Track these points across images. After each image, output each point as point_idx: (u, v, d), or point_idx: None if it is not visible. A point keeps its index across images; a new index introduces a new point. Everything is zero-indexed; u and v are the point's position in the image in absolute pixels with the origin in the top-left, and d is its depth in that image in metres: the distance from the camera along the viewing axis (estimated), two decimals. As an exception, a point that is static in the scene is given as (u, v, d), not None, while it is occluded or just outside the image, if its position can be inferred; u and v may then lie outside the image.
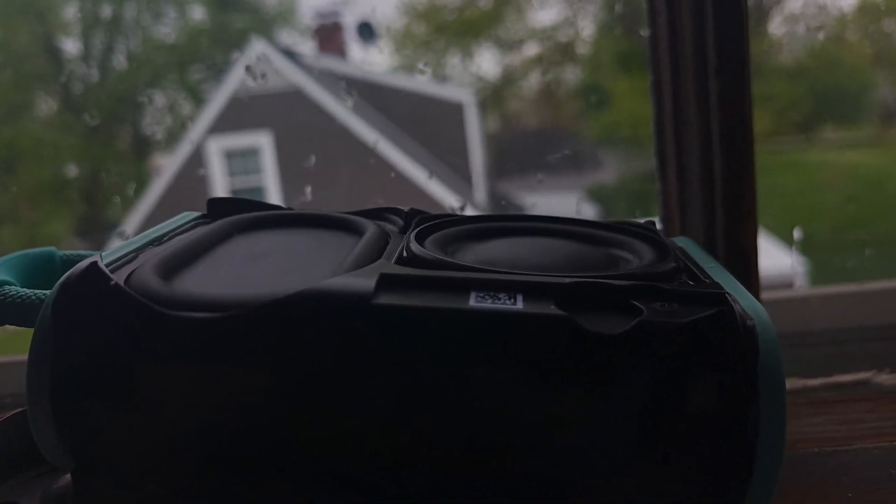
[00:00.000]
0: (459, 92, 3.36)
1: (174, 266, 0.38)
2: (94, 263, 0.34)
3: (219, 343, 0.32)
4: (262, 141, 3.11)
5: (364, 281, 0.33)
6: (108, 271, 0.34)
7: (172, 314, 0.32)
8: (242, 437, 0.33)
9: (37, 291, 0.40)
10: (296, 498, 0.34)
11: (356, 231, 0.45)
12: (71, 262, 0.47)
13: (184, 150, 3.03)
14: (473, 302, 0.32)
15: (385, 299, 0.32)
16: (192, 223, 0.47)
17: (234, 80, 3.00)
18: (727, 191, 0.49)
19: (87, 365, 0.33)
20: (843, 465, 0.44)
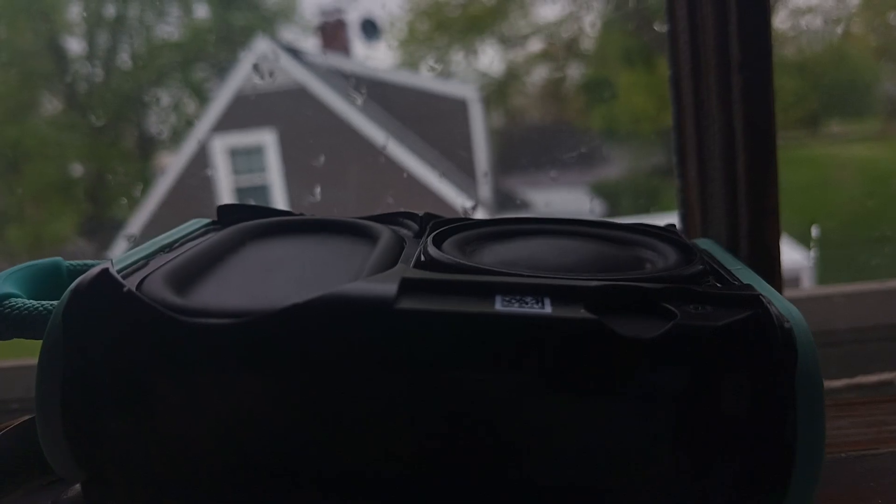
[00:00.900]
0: (463, 88, 3.35)
1: (187, 273, 0.37)
2: (106, 270, 0.33)
3: (236, 349, 0.31)
4: (267, 139, 3.11)
5: (386, 286, 0.32)
6: (119, 277, 0.33)
7: (188, 320, 0.31)
8: (259, 446, 0.32)
9: (43, 303, 0.39)
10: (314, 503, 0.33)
11: (371, 237, 0.44)
12: (77, 272, 0.46)
13: (188, 148, 3.03)
14: (499, 306, 0.31)
15: (408, 304, 0.31)
16: (203, 230, 0.46)
17: (238, 78, 3.00)
18: (751, 188, 0.48)
19: (99, 373, 0.32)
20: (872, 469, 0.43)
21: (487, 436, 0.31)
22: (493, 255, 0.40)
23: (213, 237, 0.42)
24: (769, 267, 0.49)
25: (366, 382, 0.31)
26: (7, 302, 0.39)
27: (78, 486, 0.40)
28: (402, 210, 0.49)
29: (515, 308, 0.31)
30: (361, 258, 0.40)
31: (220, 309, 0.32)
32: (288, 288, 0.37)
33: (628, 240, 0.44)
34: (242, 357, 0.31)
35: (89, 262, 0.46)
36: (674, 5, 0.52)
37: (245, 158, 3.22)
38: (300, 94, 3.06)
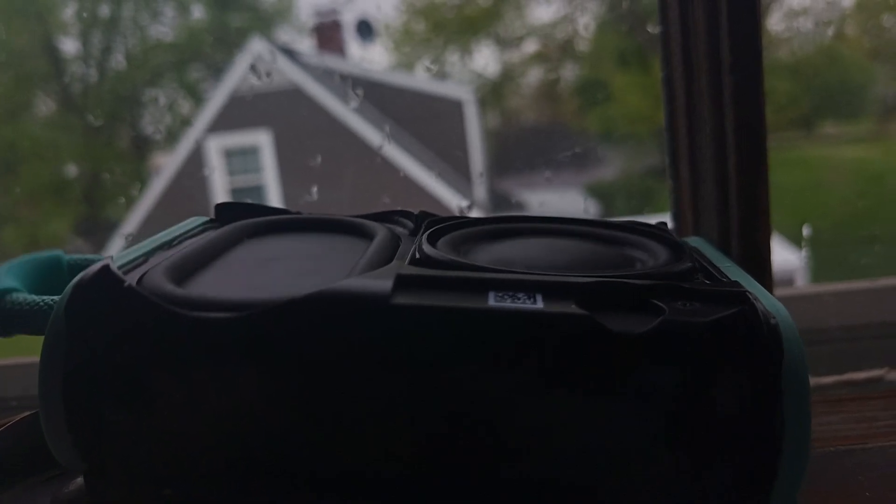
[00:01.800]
0: (459, 89, 3.35)
1: (186, 269, 0.37)
2: (107, 266, 0.34)
3: (235, 344, 0.32)
4: (262, 139, 3.10)
5: (381, 281, 0.33)
6: (120, 273, 0.33)
7: (188, 314, 0.32)
8: (257, 440, 0.33)
9: (45, 298, 0.39)
10: (313, 500, 0.33)
11: (366, 234, 0.45)
12: (78, 265, 0.47)
13: (184, 148, 3.02)
14: (493, 302, 0.32)
15: (403, 299, 0.32)
16: (201, 228, 0.47)
17: (234, 78, 2.99)
18: (742, 189, 0.49)
19: (101, 367, 0.33)
20: (861, 464, 0.44)
21: (481, 430, 0.32)
22: (487, 254, 0.41)
23: (212, 234, 0.43)
24: (760, 266, 0.50)
25: (361, 377, 0.32)
26: (8, 297, 0.39)
27: (78, 481, 0.41)
28: (397, 209, 0.49)
29: (508, 304, 0.32)
30: (357, 255, 0.41)
31: (219, 302, 0.32)
32: (285, 283, 0.37)
33: (619, 238, 0.44)
34: (240, 351, 0.32)
35: (90, 255, 0.47)
36: (666, 8, 0.53)
37: (240, 159, 3.22)
38: (295, 95, 3.05)
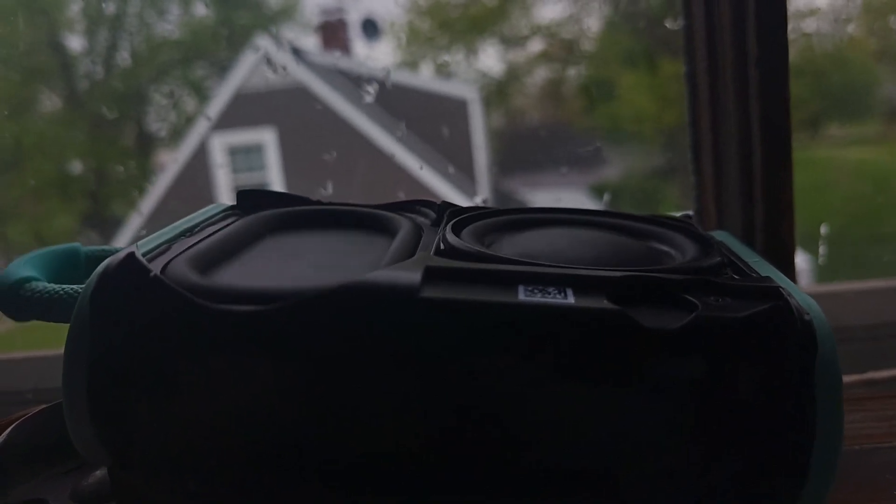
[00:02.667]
0: (464, 88, 3.35)
1: (210, 259, 0.37)
2: (132, 254, 0.33)
3: (262, 336, 0.31)
4: (267, 137, 3.10)
5: (410, 274, 0.32)
6: (146, 262, 0.33)
7: (214, 307, 0.31)
8: (285, 432, 0.32)
9: (64, 286, 0.39)
10: (338, 493, 0.33)
11: (389, 225, 0.44)
12: (95, 257, 0.46)
13: (188, 146, 3.02)
14: (522, 296, 0.32)
15: (431, 292, 0.31)
16: (222, 214, 0.46)
17: (239, 76, 2.99)
18: (767, 183, 0.48)
19: (126, 358, 0.32)
20: (888, 462, 0.44)
21: (510, 424, 0.32)
22: (512, 245, 0.40)
23: (235, 226, 0.43)
24: (784, 261, 0.50)
25: (390, 370, 0.31)
26: (28, 285, 0.39)
27: (98, 473, 0.41)
28: (419, 198, 0.49)
29: (539, 298, 0.31)
30: (381, 246, 0.40)
31: (246, 293, 0.32)
32: (311, 275, 0.37)
33: (645, 231, 0.44)
34: (267, 344, 0.31)
35: (106, 247, 0.46)
36: (690, 2, 0.53)
37: (244, 157, 3.22)
38: (300, 93, 3.05)
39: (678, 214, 0.46)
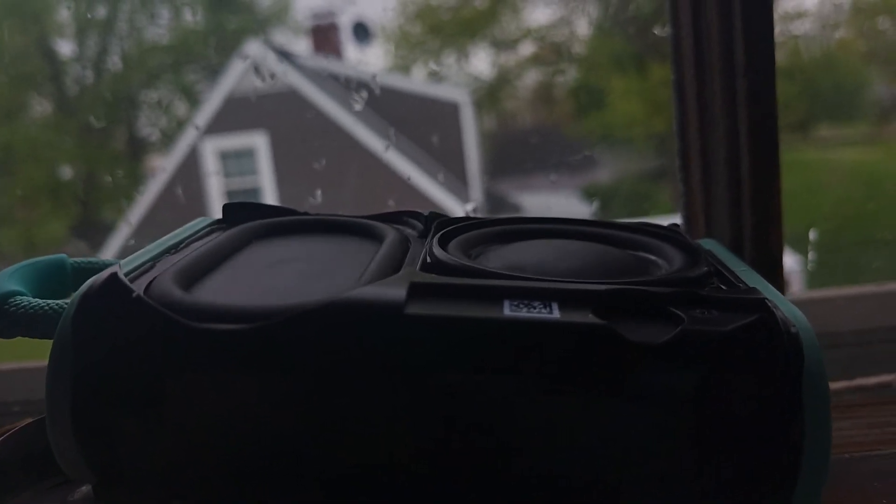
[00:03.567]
0: (455, 92, 3.35)
1: (194, 275, 0.37)
2: (115, 274, 0.33)
3: (245, 355, 0.31)
4: (258, 142, 3.10)
5: (394, 290, 0.32)
6: (128, 282, 0.33)
7: (196, 326, 0.31)
8: (269, 450, 0.32)
9: (49, 302, 0.39)
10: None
11: (375, 237, 0.44)
12: (81, 269, 0.46)
13: (180, 150, 3.02)
14: (508, 311, 0.31)
15: (416, 309, 0.31)
16: (208, 229, 0.46)
17: (230, 80, 2.99)
18: (755, 191, 0.48)
19: (109, 377, 0.32)
20: (877, 470, 0.44)
21: (495, 439, 0.31)
22: (499, 257, 0.40)
23: (219, 238, 0.42)
24: (773, 270, 0.50)
25: (375, 387, 0.31)
26: (12, 300, 0.38)
27: (85, 488, 0.40)
28: (406, 209, 0.49)
29: (524, 313, 0.31)
30: (367, 258, 0.40)
31: (228, 312, 0.32)
32: (295, 291, 0.37)
33: (632, 241, 0.44)
34: (251, 362, 0.31)
35: (93, 259, 0.46)
36: (677, 9, 0.53)
37: (236, 161, 3.22)
38: (292, 97, 3.05)
39: (666, 224, 0.46)
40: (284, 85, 3.02)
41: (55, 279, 0.45)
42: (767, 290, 0.35)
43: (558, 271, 0.37)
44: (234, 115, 3.10)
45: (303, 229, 0.46)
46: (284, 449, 0.32)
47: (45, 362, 0.33)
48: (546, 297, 0.32)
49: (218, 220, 0.48)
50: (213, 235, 0.44)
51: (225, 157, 3.23)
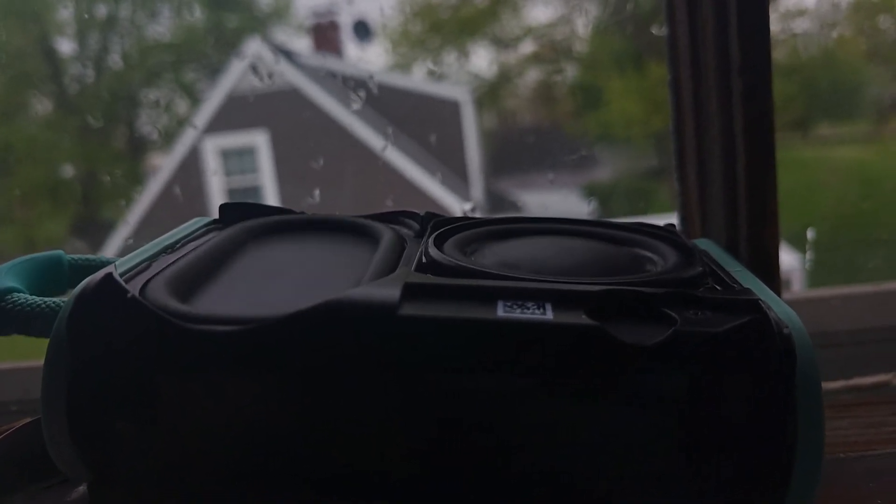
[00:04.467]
0: (456, 90, 3.35)
1: (190, 277, 0.37)
2: (110, 275, 0.33)
3: (241, 355, 0.31)
4: (259, 140, 3.10)
5: (388, 291, 0.32)
6: (123, 283, 0.33)
7: (192, 327, 0.31)
8: (263, 451, 0.32)
9: (46, 300, 0.39)
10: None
11: (372, 237, 0.44)
12: (78, 266, 0.46)
13: (180, 149, 3.02)
14: (501, 311, 0.31)
15: (410, 310, 0.31)
16: (204, 229, 0.46)
17: (231, 79, 2.99)
18: (751, 191, 0.48)
19: (105, 378, 0.32)
20: (872, 470, 0.44)
21: (489, 440, 0.32)
22: (494, 256, 0.40)
23: (216, 238, 0.42)
24: (768, 270, 0.50)
25: (369, 388, 0.31)
26: (9, 297, 0.38)
27: (82, 488, 0.40)
28: (402, 209, 0.49)
29: (517, 314, 0.31)
30: (363, 259, 0.40)
31: (223, 315, 0.32)
32: (290, 292, 0.37)
33: (628, 240, 0.44)
34: (246, 364, 0.31)
35: (91, 256, 0.46)
36: (673, 8, 0.53)
37: (237, 159, 3.22)
38: (292, 96, 3.05)
39: (662, 224, 0.46)
40: (285, 83, 3.02)
41: (52, 276, 0.45)
42: (761, 290, 0.35)
43: (553, 269, 0.37)
44: (234, 114, 3.10)
45: (299, 229, 0.46)
46: (279, 449, 0.32)
47: (42, 362, 0.33)
48: (540, 297, 0.33)
49: (214, 220, 0.48)
50: (210, 235, 0.44)
51: (225, 155, 3.23)
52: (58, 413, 0.32)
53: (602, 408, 0.31)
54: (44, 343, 0.34)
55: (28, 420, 0.43)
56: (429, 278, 0.34)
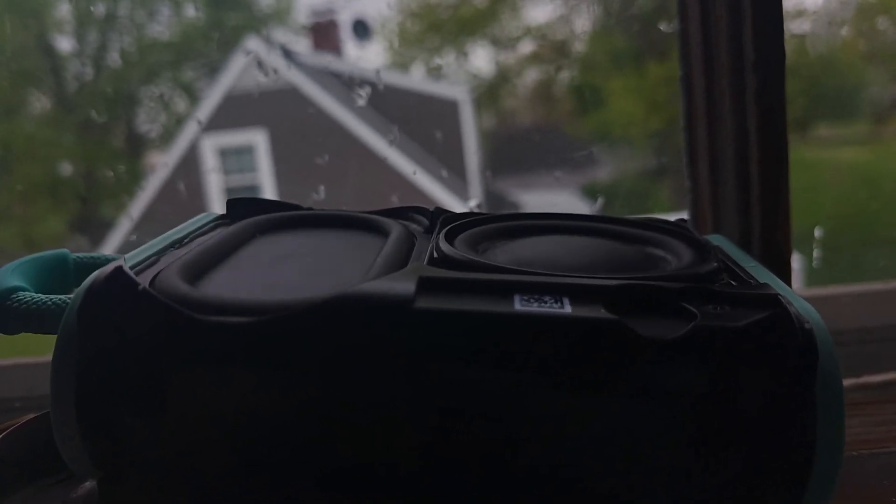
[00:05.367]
0: (455, 89, 3.35)
1: (199, 269, 0.36)
2: (120, 268, 0.33)
3: (253, 348, 0.31)
4: (258, 139, 3.09)
5: (404, 284, 0.32)
6: (133, 275, 0.32)
7: (204, 319, 0.31)
8: (275, 443, 0.32)
9: (52, 297, 0.39)
10: (331, 503, 0.33)
11: (381, 232, 0.44)
12: (84, 264, 0.46)
13: (179, 147, 3.01)
14: (519, 305, 0.31)
15: (426, 303, 0.31)
16: (213, 224, 0.46)
17: (229, 77, 2.98)
18: (764, 188, 0.48)
19: (114, 371, 0.32)
20: (886, 468, 0.44)
21: (505, 433, 0.31)
22: (507, 252, 0.40)
23: (224, 232, 0.42)
24: (781, 266, 0.49)
25: (383, 380, 0.31)
26: (15, 296, 0.38)
27: (87, 484, 0.40)
28: (412, 204, 0.48)
29: (535, 308, 0.31)
30: (372, 254, 0.40)
31: (234, 307, 0.32)
32: (301, 284, 0.36)
33: (640, 236, 0.43)
34: (258, 355, 0.31)
35: (95, 254, 0.46)
36: (686, 5, 0.52)
37: (235, 158, 3.21)
38: (292, 94, 3.04)
39: (672, 219, 0.46)
40: (284, 82, 3.02)
41: (57, 274, 0.45)
42: (779, 285, 0.35)
43: (567, 266, 0.37)
44: (233, 112, 3.10)
45: (307, 224, 0.46)
46: (290, 441, 0.32)
47: (47, 358, 0.33)
48: (557, 291, 0.32)
49: (222, 216, 0.47)
50: (218, 231, 0.44)
51: (224, 153, 3.22)
52: (67, 405, 0.32)
53: (620, 403, 0.30)
54: (48, 339, 0.34)
55: (33, 416, 0.43)
56: (443, 272, 0.34)
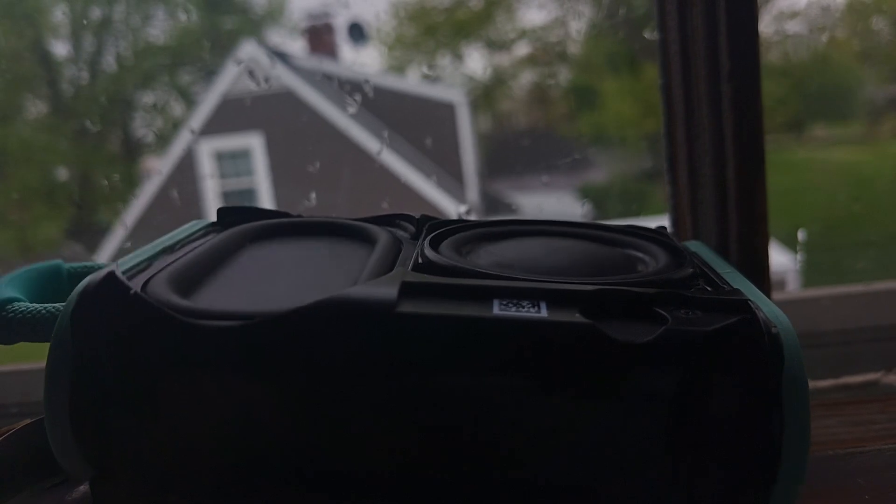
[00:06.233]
0: (451, 92, 3.36)
1: (190, 276, 0.37)
2: (112, 273, 0.34)
3: (241, 351, 0.32)
4: (254, 143, 3.10)
5: (386, 289, 0.33)
6: (126, 280, 0.33)
7: (193, 322, 0.32)
8: (262, 447, 0.33)
9: (46, 305, 0.40)
10: (319, 506, 0.33)
11: (369, 239, 0.45)
12: (78, 274, 0.47)
13: (175, 152, 3.01)
14: (497, 310, 0.32)
15: (407, 307, 0.32)
16: (203, 231, 0.47)
17: (225, 81, 2.99)
18: (741, 194, 0.49)
19: (107, 374, 0.33)
20: (859, 467, 0.45)
21: (484, 436, 0.32)
22: (489, 257, 0.41)
23: (215, 239, 0.43)
24: (758, 271, 0.50)
25: (367, 385, 0.32)
26: (10, 306, 0.39)
27: (83, 488, 0.41)
28: (398, 212, 0.49)
29: (513, 312, 0.32)
30: (360, 260, 0.41)
31: (224, 311, 0.33)
32: (289, 290, 0.37)
33: (620, 242, 0.45)
34: (246, 359, 0.32)
35: (89, 263, 0.47)
36: (665, 16, 0.54)
37: (231, 162, 3.21)
38: (287, 98, 3.05)
39: (653, 226, 0.47)
40: (280, 86, 3.02)
41: (52, 285, 0.46)
42: (751, 291, 0.36)
43: (546, 269, 0.38)
44: (229, 117, 3.10)
45: (296, 232, 0.47)
46: (278, 445, 0.33)
47: (42, 364, 0.33)
48: (535, 296, 0.33)
49: (212, 223, 0.48)
50: (208, 237, 0.45)
51: (220, 158, 3.23)
52: (61, 409, 0.33)
53: (594, 405, 0.31)
54: (44, 346, 0.35)
55: (28, 421, 0.44)
56: (425, 277, 0.35)
